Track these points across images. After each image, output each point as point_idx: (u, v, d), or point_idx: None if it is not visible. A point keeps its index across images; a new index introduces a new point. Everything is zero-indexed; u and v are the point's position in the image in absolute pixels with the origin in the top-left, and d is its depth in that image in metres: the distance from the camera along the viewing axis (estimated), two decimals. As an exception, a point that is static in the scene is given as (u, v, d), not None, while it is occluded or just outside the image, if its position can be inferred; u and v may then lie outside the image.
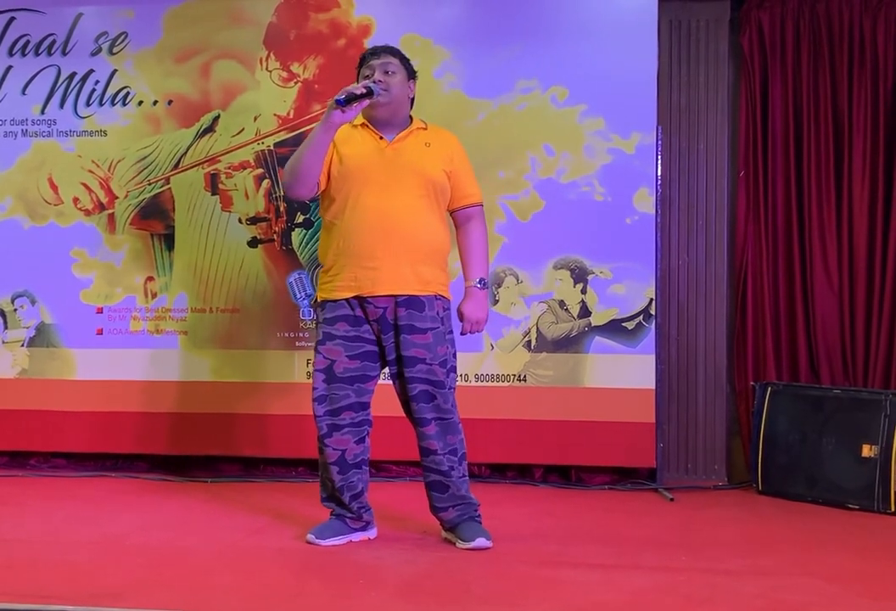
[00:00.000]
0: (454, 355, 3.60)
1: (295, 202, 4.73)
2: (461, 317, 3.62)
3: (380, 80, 3.47)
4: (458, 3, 4.80)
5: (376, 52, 3.59)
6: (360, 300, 3.48)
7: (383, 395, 3.63)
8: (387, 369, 3.58)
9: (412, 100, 3.66)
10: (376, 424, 3.62)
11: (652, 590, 2.98)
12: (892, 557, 3.47)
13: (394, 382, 3.56)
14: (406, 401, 3.54)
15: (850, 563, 3.36)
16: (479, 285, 3.62)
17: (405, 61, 3.62)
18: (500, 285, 4.71)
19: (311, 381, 4.65)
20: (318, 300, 3.60)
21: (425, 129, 3.63)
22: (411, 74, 3.64)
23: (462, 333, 3.64)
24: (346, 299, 3.49)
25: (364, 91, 3.35)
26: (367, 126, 3.57)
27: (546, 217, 4.68)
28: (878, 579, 3.15)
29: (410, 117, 3.64)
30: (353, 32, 4.81)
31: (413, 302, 3.47)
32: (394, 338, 3.49)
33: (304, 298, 4.80)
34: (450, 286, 3.63)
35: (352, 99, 3.32)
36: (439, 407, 3.50)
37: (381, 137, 3.54)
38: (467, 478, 3.59)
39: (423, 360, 3.47)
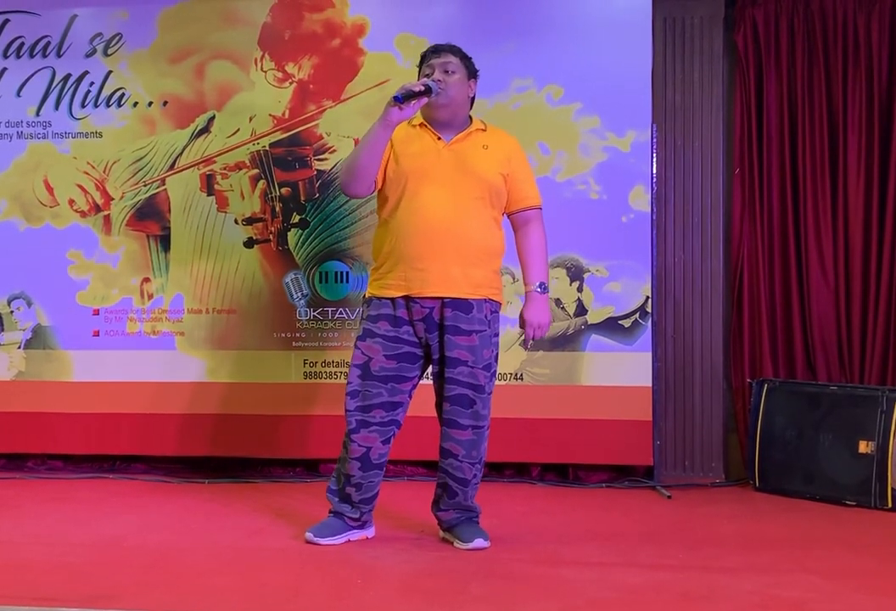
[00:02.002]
0: (496, 359, 3.59)
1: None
2: (523, 323, 3.62)
3: (439, 80, 3.44)
4: (453, 2, 4.80)
5: (437, 50, 3.55)
6: (407, 300, 3.47)
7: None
8: (429, 371, 3.58)
9: (472, 99, 3.64)
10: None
11: (649, 588, 2.99)
12: (889, 553, 3.48)
13: (434, 382, 3.55)
14: (441, 401, 3.53)
15: (847, 559, 3.37)
16: (539, 290, 3.60)
17: (466, 60, 3.58)
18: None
19: (307, 381, 4.70)
20: (367, 296, 3.58)
21: (485, 130, 3.60)
22: (472, 73, 3.60)
23: (527, 340, 3.65)
24: (393, 299, 3.48)
25: (422, 88, 3.32)
26: (426, 126, 3.55)
27: (542, 215, 4.68)
28: (874, 576, 3.16)
29: (470, 118, 3.61)
30: (348, 32, 4.81)
31: (460, 304, 3.46)
32: (438, 338, 3.48)
33: (300, 299, 4.80)
34: (503, 290, 3.63)
35: (410, 96, 3.30)
36: (478, 414, 3.49)
37: (438, 138, 3.52)
38: (479, 484, 3.59)
39: (466, 362, 3.46)
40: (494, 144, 3.58)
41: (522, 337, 4.62)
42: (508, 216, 3.66)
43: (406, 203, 3.47)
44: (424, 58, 3.58)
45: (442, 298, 3.45)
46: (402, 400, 3.53)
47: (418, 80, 3.53)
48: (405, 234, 3.46)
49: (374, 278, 3.57)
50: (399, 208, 3.48)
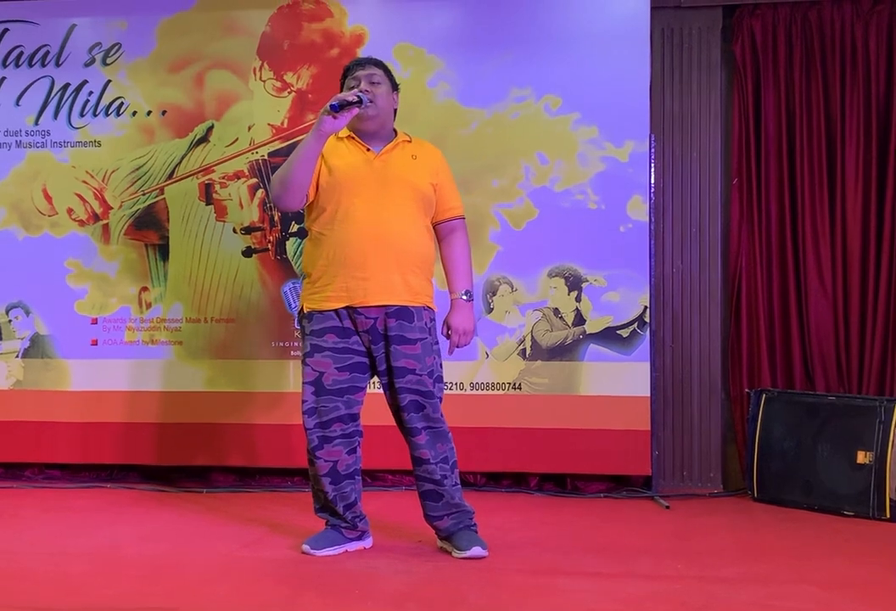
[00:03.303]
0: (440, 365, 3.61)
1: (289, 212, 4.74)
2: (448, 329, 3.64)
3: (366, 90, 3.48)
4: (451, 12, 4.81)
5: (361, 63, 3.62)
6: (350, 311, 3.48)
7: (379, 404, 3.62)
8: (376, 379, 3.58)
9: (395, 111, 3.67)
10: (372, 434, 3.63)
11: (647, 598, 2.98)
12: (887, 563, 3.47)
13: (385, 393, 3.56)
14: (397, 410, 3.54)
15: (845, 570, 3.36)
16: (465, 297, 3.64)
17: (388, 73, 3.65)
18: (494, 294, 4.72)
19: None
20: (305, 311, 3.58)
21: (410, 141, 3.64)
22: (395, 86, 3.66)
23: (451, 347, 3.65)
24: (335, 310, 3.49)
25: (355, 98, 3.35)
26: (354, 138, 3.57)
27: (540, 225, 4.69)
28: (873, 586, 3.15)
29: (395, 130, 3.65)
30: (347, 42, 4.82)
31: (403, 313, 3.48)
32: (384, 348, 3.49)
33: (298, 308, 4.78)
34: (434, 297, 3.64)
35: (344, 105, 3.32)
36: (428, 416, 3.50)
37: (368, 149, 3.55)
38: (460, 486, 3.58)
39: (413, 371, 3.48)
40: (423, 155, 3.62)
41: (521, 346, 4.64)
42: (434, 226, 3.69)
43: (342, 214, 3.48)
44: (349, 70, 3.62)
45: (385, 307, 3.47)
46: (358, 410, 3.56)
47: (341, 92, 3.56)
48: (344, 244, 3.46)
49: (310, 292, 3.56)
50: (335, 220, 3.49)
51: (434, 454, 3.50)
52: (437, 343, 3.59)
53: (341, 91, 3.60)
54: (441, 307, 3.64)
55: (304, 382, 3.54)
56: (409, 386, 3.48)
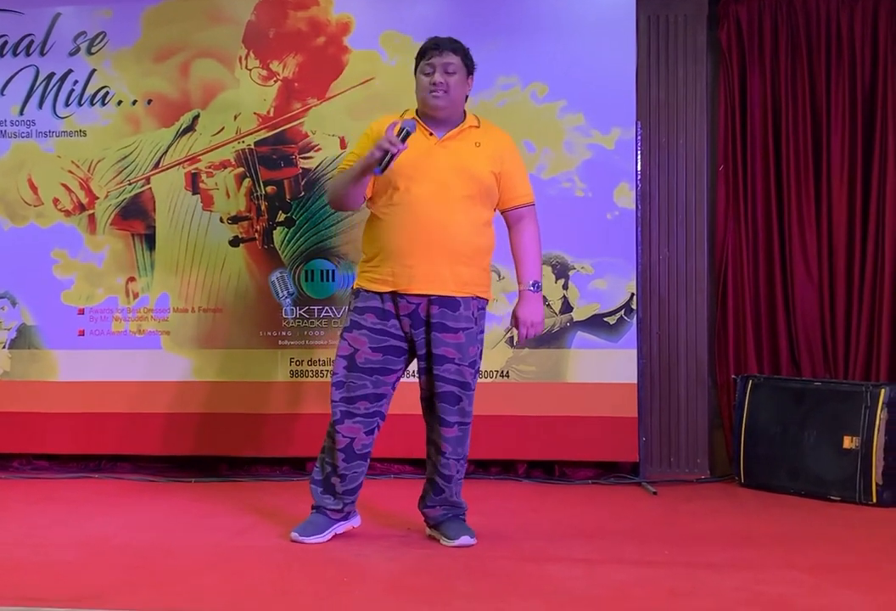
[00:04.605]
0: (481, 355, 3.59)
1: (276, 201, 4.79)
2: (516, 322, 3.61)
3: (439, 84, 3.43)
4: (437, 0, 4.80)
5: (438, 46, 3.50)
6: (394, 295, 3.47)
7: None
8: (413, 366, 3.58)
9: (467, 97, 3.61)
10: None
11: (635, 584, 3.00)
12: (873, 548, 3.50)
13: (419, 378, 3.56)
14: (429, 397, 3.53)
15: (831, 555, 3.39)
16: (532, 289, 3.59)
17: (466, 58, 3.55)
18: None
19: (293, 379, 4.70)
20: (355, 287, 3.59)
21: (478, 126, 3.58)
22: (471, 70, 3.58)
23: (520, 339, 3.64)
24: (381, 293, 3.49)
25: (401, 147, 3.29)
26: (418, 121, 3.51)
27: (527, 213, 4.69)
28: (859, 570, 3.18)
29: (464, 113, 3.59)
30: (333, 30, 4.81)
31: (447, 301, 3.45)
32: (424, 334, 3.48)
33: (286, 297, 4.79)
34: (491, 287, 3.62)
35: (390, 162, 3.30)
36: (464, 410, 3.50)
37: (431, 134, 3.50)
38: (462, 480, 3.60)
39: (453, 360, 3.46)
40: (487, 142, 3.56)
41: (509, 334, 4.65)
42: (502, 213, 3.65)
43: (397, 200, 3.46)
44: (425, 52, 3.52)
45: (428, 296, 3.45)
46: (385, 392, 3.54)
47: (415, 73, 3.52)
48: (395, 230, 3.45)
49: (362, 270, 3.57)
50: (389, 205, 3.48)
51: (457, 451, 3.52)
52: (481, 333, 3.58)
53: (415, 70, 3.53)
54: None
55: (337, 356, 3.54)
56: (448, 375, 3.47)
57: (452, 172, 3.46)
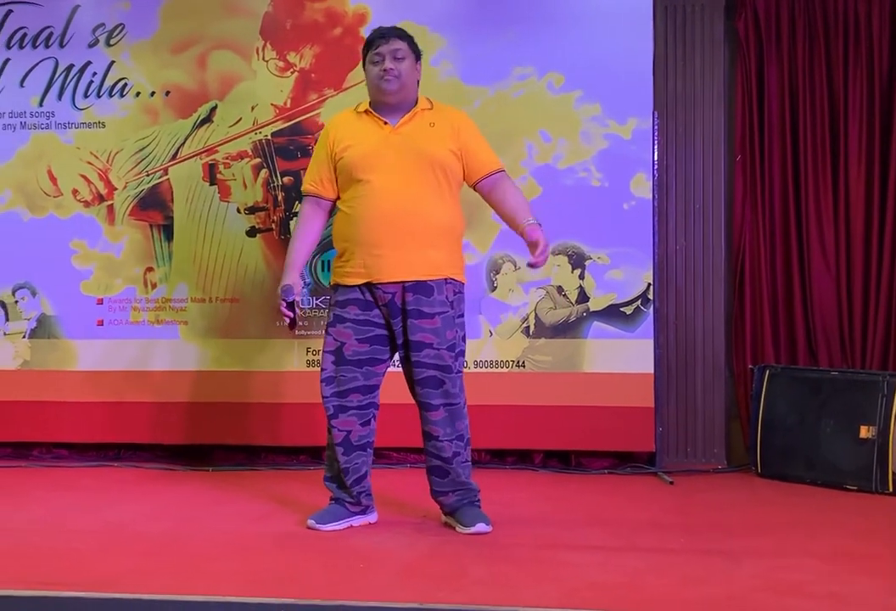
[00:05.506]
0: (463, 339, 3.61)
1: (293, 192, 4.80)
2: (534, 246, 3.41)
3: (390, 72, 3.48)
4: (453, -10, 4.81)
5: (384, 34, 3.56)
6: (370, 286, 3.50)
7: (385, 381, 3.64)
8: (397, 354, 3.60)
9: (418, 81, 3.64)
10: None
11: (649, 570, 3.00)
12: (890, 536, 3.50)
13: (402, 367, 3.58)
14: (413, 385, 3.55)
15: (847, 543, 3.38)
16: (533, 220, 3.47)
17: (413, 44, 3.60)
18: (497, 272, 4.72)
19: (310, 369, 4.71)
20: (332, 283, 3.63)
21: (430, 108, 3.61)
22: (418, 55, 3.63)
23: (536, 261, 3.41)
24: (357, 286, 3.51)
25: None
26: (371, 112, 3.57)
27: (543, 203, 4.66)
28: (875, 559, 3.17)
29: (416, 98, 3.62)
30: (349, 21, 4.82)
31: (421, 287, 3.47)
32: (402, 322, 3.50)
33: (302, 287, 4.80)
34: (464, 269, 3.63)
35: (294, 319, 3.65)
36: (447, 392, 3.51)
37: (385, 123, 3.54)
38: (470, 463, 3.61)
39: (431, 344, 3.48)
40: (441, 121, 3.58)
41: (525, 324, 4.65)
42: (474, 188, 3.65)
43: (360, 192, 3.50)
44: (371, 43, 3.56)
45: (402, 283, 3.47)
46: (377, 382, 3.58)
47: (364, 65, 3.59)
48: (360, 222, 3.49)
49: (336, 266, 3.62)
50: (353, 197, 3.52)
51: (447, 432, 3.52)
52: (460, 316, 3.59)
53: (364, 63, 3.59)
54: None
55: (324, 351, 3.57)
56: (427, 360, 3.48)
57: (411, 157, 3.49)
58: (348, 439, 3.54)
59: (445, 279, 3.52)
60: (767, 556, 3.19)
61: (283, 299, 3.59)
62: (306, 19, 4.85)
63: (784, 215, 4.92)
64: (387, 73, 3.49)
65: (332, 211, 3.69)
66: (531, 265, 3.47)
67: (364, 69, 3.62)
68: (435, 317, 3.48)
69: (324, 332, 3.62)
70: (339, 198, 3.63)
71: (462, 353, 3.60)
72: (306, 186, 3.70)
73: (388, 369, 3.64)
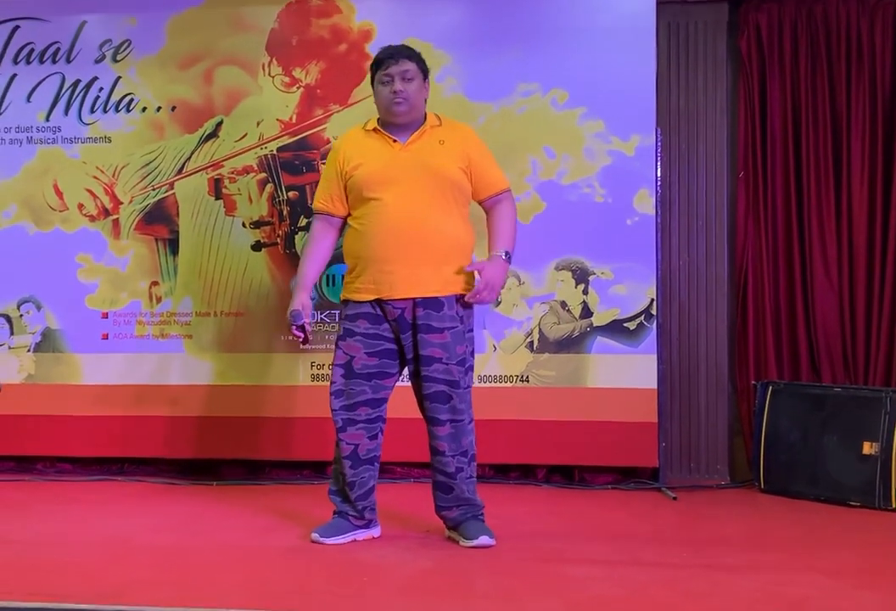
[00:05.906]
0: (472, 354, 3.62)
1: (298, 206, 4.83)
2: (479, 280, 3.49)
3: (400, 94, 3.50)
4: (459, 7, 4.84)
5: (392, 54, 3.57)
6: (380, 302, 3.52)
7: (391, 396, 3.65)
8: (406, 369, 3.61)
9: (426, 100, 3.66)
10: (382, 427, 3.65)
11: (652, 585, 3.00)
12: (893, 552, 3.50)
13: (412, 381, 3.59)
14: (422, 399, 3.56)
15: (851, 559, 3.38)
16: (504, 256, 3.55)
17: (421, 62, 3.62)
18: (502, 287, 4.72)
19: (315, 383, 4.72)
20: (343, 299, 3.65)
21: (439, 125, 3.63)
22: (426, 74, 3.65)
23: (470, 295, 3.49)
24: (368, 301, 3.53)
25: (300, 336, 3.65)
26: (380, 130, 3.59)
27: (547, 219, 4.71)
28: (878, 574, 3.17)
29: (425, 115, 3.64)
30: (355, 38, 4.85)
31: (431, 302, 3.49)
32: (411, 337, 3.51)
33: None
34: (474, 284, 3.61)
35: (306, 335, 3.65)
36: (455, 408, 3.52)
37: (394, 141, 3.57)
38: (475, 479, 3.61)
39: (440, 359, 3.49)
40: (450, 138, 3.60)
41: (529, 339, 4.66)
42: (479, 204, 3.68)
43: (371, 209, 3.52)
44: (380, 63, 3.57)
45: (413, 299, 3.49)
46: (385, 396, 3.59)
47: (373, 84, 3.60)
48: (371, 238, 3.51)
49: (347, 282, 3.63)
50: (364, 215, 3.54)
51: (453, 447, 3.52)
52: (470, 331, 3.60)
53: (373, 82, 3.60)
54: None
55: (334, 365, 3.59)
56: (436, 375, 3.49)
57: (421, 174, 3.51)
58: (356, 453, 3.55)
59: (455, 295, 3.53)
60: (770, 571, 3.19)
61: (293, 324, 3.60)
62: (312, 35, 4.88)
63: (787, 231, 4.93)
64: (397, 95, 3.50)
65: (343, 228, 3.70)
66: (465, 299, 3.54)
67: (372, 87, 3.63)
68: (444, 331, 3.49)
69: (334, 346, 3.63)
70: (349, 215, 3.64)
71: (471, 368, 3.60)
72: (317, 203, 3.72)
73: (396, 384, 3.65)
